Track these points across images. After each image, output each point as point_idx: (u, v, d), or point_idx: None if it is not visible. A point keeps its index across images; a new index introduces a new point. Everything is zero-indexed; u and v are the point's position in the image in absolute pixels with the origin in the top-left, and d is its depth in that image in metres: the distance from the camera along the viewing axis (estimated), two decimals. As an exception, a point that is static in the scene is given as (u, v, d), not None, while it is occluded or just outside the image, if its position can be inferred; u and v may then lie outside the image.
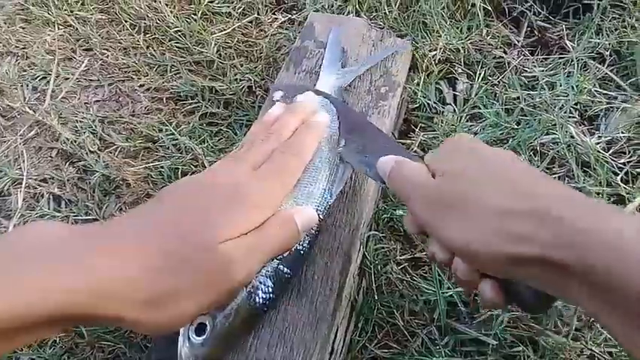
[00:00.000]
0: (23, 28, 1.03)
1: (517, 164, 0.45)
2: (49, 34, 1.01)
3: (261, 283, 0.51)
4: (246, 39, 0.98)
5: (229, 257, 0.43)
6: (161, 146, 0.84)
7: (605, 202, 0.39)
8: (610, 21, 0.89)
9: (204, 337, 0.49)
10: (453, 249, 0.44)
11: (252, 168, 0.51)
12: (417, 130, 0.80)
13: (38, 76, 0.96)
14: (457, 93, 0.86)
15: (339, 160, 0.60)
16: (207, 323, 0.49)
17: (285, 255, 0.53)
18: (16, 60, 0.99)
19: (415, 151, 0.77)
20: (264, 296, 0.51)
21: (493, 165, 0.45)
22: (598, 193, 0.71)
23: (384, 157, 0.53)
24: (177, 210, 0.45)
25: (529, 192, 0.41)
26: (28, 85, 0.94)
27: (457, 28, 0.92)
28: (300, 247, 0.55)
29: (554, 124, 0.75)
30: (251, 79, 0.90)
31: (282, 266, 0.53)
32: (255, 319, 0.53)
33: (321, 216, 0.55)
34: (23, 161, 0.85)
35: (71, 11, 1.04)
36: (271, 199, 0.50)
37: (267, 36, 0.97)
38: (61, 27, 1.03)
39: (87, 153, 0.84)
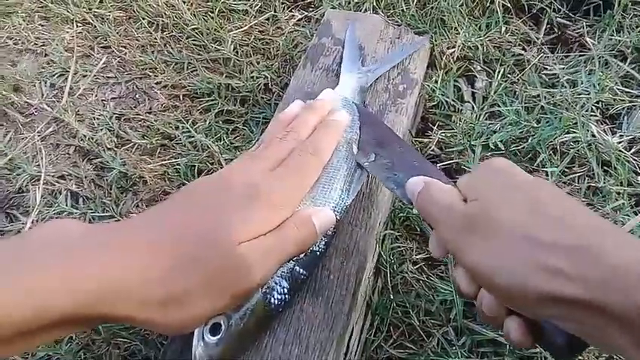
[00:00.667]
0: (42, 26, 1.04)
1: (557, 195, 0.42)
2: (67, 32, 1.02)
3: (276, 284, 0.51)
4: (262, 36, 0.97)
5: (246, 258, 0.43)
6: (178, 144, 0.84)
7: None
8: (631, 18, 0.88)
9: (218, 336, 0.48)
10: (478, 279, 0.42)
11: (270, 167, 0.50)
12: (434, 128, 0.79)
13: (56, 74, 0.96)
14: (476, 91, 0.85)
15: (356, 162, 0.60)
16: (222, 323, 0.49)
17: (301, 256, 0.52)
18: (35, 57, 1.00)
19: (432, 150, 0.77)
20: (279, 297, 0.51)
21: (531, 193, 0.42)
22: (619, 193, 0.69)
23: (413, 178, 0.52)
24: (193, 210, 0.45)
25: (571, 225, 0.38)
26: (46, 82, 0.95)
27: (476, 25, 0.91)
28: (317, 249, 0.54)
29: (575, 123, 0.74)
30: (267, 77, 0.90)
31: (298, 267, 0.52)
32: (269, 319, 0.52)
33: (338, 216, 0.55)
34: (41, 158, 0.85)
35: (89, 9, 1.05)
36: (289, 199, 0.49)
37: (283, 33, 0.97)
38: (79, 24, 1.03)
39: (104, 150, 0.84)
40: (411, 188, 0.51)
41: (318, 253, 0.54)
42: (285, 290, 0.51)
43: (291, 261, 0.51)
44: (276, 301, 0.51)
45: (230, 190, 0.47)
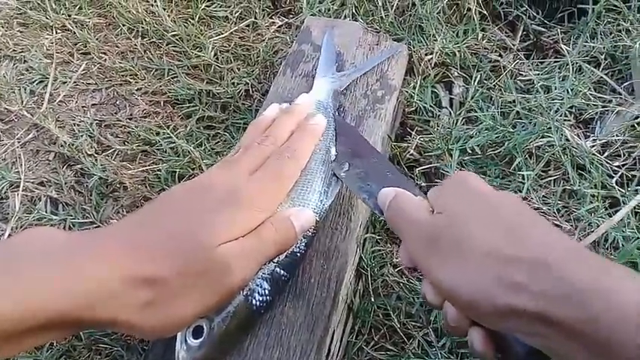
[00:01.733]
0: (21, 32, 1.04)
1: (523, 211, 0.43)
2: (46, 38, 1.02)
3: (257, 285, 0.51)
4: (243, 43, 0.98)
5: (226, 260, 0.43)
6: (158, 149, 0.84)
7: (616, 263, 0.36)
8: (605, 25, 0.90)
9: (201, 339, 0.49)
10: (442, 291, 0.42)
11: (248, 172, 0.51)
12: (413, 133, 0.80)
13: (36, 80, 0.96)
14: (453, 96, 0.87)
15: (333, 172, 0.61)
16: (204, 326, 0.49)
17: (281, 257, 0.53)
18: (14, 64, 0.99)
19: (411, 154, 0.78)
20: (260, 299, 0.51)
21: (495, 208, 0.42)
22: (593, 196, 0.71)
23: (385, 189, 0.52)
24: (173, 213, 0.46)
25: (533, 241, 0.38)
26: (25, 89, 0.94)
27: (453, 32, 0.93)
28: (297, 250, 0.55)
29: (550, 127, 0.75)
30: (248, 83, 0.90)
31: (278, 269, 0.53)
32: (252, 321, 0.53)
33: (317, 218, 0.56)
34: (21, 164, 0.85)
35: (69, 15, 1.04)
36: (268, 201, 0.50)
37: (264, 40, 0.97)
38: (58, 31, 1.03)
39: (84, 156, 0.84)
40: (382, 198, 0.52)
41: (298, 254, 0.55)
42: (267, 292, 0.52)
43: (271, 263, 0.52)
44: (258, 303, 0.51)
45: (210, 193, 0.47)
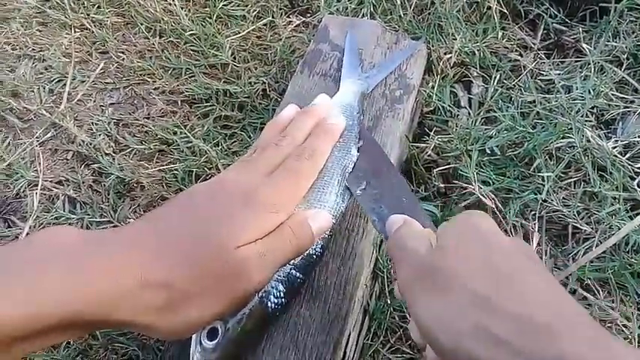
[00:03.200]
0: (40, 31, 1.05)
1: (529, 261, 0.39)
2: (65, 37, 1.02)
3: (273, 287, 0.51)
4: (260, 42, 0.98)
5: (243, 263, 0.43)
6: (175, 149, 0.84)
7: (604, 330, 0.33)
8: (627, 24, 0.88)
9: (216, 341, 0.49)
10: (422, 333, 0.39)
11: (266, 172, 0.51)
12: (431, 133, 0.79)
13: (54, 79, 0.97)
14: (472, 96, 0.86)
15: (351, 166, 0.60)
16: (218, 328, 0.49)
17: (297, 260, 0.52)
18: (33, 63, 1.00)
19: (429, 155, 0.77)
20: (275, 301, 0.51)
21: (498, 253, 0.39)
22: (614, 198, 0.70)
23: (396, 216, 0.50)
24: (190, 214, 0.45)
25: (529, 297, 0.35)
26: (44, 88, 0.95)
27: (473, 31, 0.92)
28: (313, 252, 0.54)
29: (571, 128, 0.74)
30: (265, 82, 0.90)
31: (294, 271, 0.53)
32: (266, 323, 0.53)
33: (334, 220, 0.55)
34: (39, 163, 0.86)
35: (87, 14, 1.05)
36: (285, 203, 0.49)
37: (281, 39, 0.97)
38: (77, 30, 1.04)
39: (102, 155, 0.84)
40: (390, 225, 0.50)
41: (314, 256, 0.55)
42: (282, 294, 0.52)
43: (287, 265, 0.52)
44: (273, 305, 0.51)
45: (227, 195, 0.47)
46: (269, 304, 0.51)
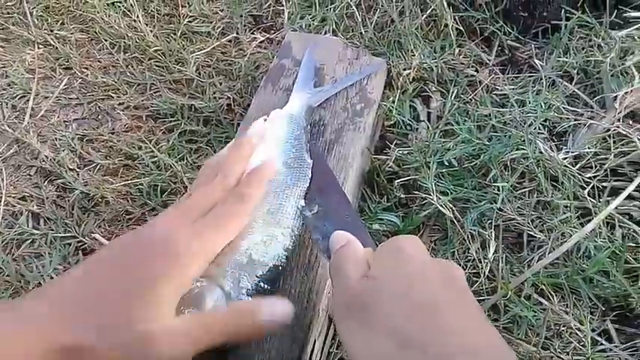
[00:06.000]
0: (3, 47, 1.04)
1: (449, 289, 0.40)
2: (28, 53, 1.02)
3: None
4: (225, 58, 0.99)
5: (156, 339, 0.41)
6: (140, 163, 0.85)
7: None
8: (577, 41, 0.92)
9: None
10: (349, 357, 0.40)
11: (193, 218, 0.50)
12: (392, 146, 0.82)
13: (17, 95, 0.96)
14: (431, 110, 0.89)
15: (309, 172, 0.62)
16: None
17: (265, 272, 0.53)
18: (-4, 79, 0.99)
19: (390, 167, 0.79)
20: None
21: (423, 283, 0.40)
22: (566, 206, 0.73)
23: (340, 232, 0.51)
24: (107, 275, 0.44)
25: (444, 328, 0.36)
26: (7, 104, 0.95)
27: (431, 47, 0.95)
28: (279, 263, 0.55)
29: (524, 140, 0.77)
30: (230, 97, 0.91)
31: (262, 283, 0.53)
32: None
33: (296, 231, 0.57)
34: (2, 179, 0.85)
35: (51, 30, 1.05)
36: (205, 254, 0.48)
37: (245, 55, 0.99)
38: (40, 46, 1.04)
39: (66, 171, 0.84)
40: (334, 241, 0.50)
41: (280, 267, 0.55)
42: None
43: (255, 277, 0.52)
44: None
45: (148, 249, 0.45)
46: None
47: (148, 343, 0.40)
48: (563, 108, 0.84)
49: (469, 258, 0.71)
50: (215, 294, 0.49)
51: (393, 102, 0.86)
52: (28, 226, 0.80)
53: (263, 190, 0.56)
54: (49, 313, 0.40)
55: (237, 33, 1.03)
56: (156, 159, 0.84)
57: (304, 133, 0.68)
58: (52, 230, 0.79)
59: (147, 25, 1.03)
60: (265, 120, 0.67)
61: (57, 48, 1.02)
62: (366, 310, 0.40)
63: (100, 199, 0.81)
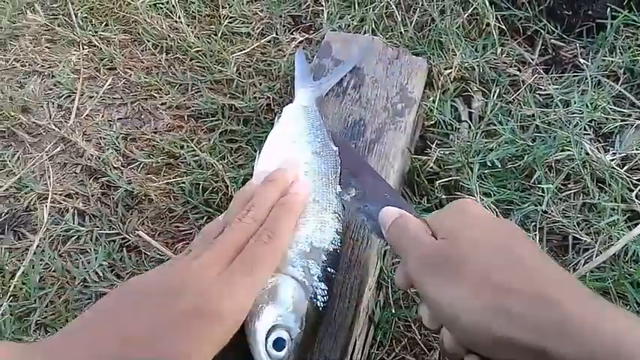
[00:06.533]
0: (49, 48, 1.07)
1: (523, 241, 0.44)
2: (73, 54, 1.04)
3: (316, 287, 0.53)
4: (264, 58, 1.00)
5: None
6: (182, 162, 0.86)
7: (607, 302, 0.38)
8: (623, 40, 0.90)
9: (285, 350, 0.49)
10: (440, 317, 0.43)
11: (224, 264, 0.47)
12: (433, 146, 0.81)
13: (63, 95, 0.99)
14: (472, 110, 0.88)
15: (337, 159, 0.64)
16: (284, 337, 0.49)
17: (328, 257, 0.55)
18: (42, 79, 1.02)
19: (431, 167, 0.79)
20: (323, 299, 0.53)
21: (498, 236, 0.44)
22: (613, 209, 0.71)
23: (389, 208, 0.52)
24: (134, 319, 0.43)
25: (536, 275, 0.39)
26: (53, 103, 0.97)
27: (472, 46, 0.94)
28: (337, 247, 0.56)
29: (569, 141, 0.76)
30: (270, 97, 0.92)
31: (329, 268, 0.54)
32: (320, 321, 0.54)
33: (342, 215, 0.59)
34: (49, 177, 0.87)
35: (95, 32, 1.07)
36: (238, 305, 0.46)
37: (285, 55, 0.99)
38: (85, 47, 1.06)
39: (110, 169, 0.86)
40: (385, 218, 0.51)
41: (338, 251, 0.57)
42: (326, 292, 0.53)
43: (321, 262, 0.54)
44: (322, 304, 0.53)
45: (179, 300, 0.43)
46: (319, 304, 0.52)
47: None
48: (610, 108, 0.82)
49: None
50: (291, 285, 0.51)
51: (434, 102, 0.86)
52: (74, 223, 0.81)
53: (293, 224, 0.55)
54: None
55: (277, 33, 1.04)
56: (197, 158, 0.85)
57: (324, 122, 0.69)
58: (97, 227, 0.81)
59: (188, 25, 1.05)
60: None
61: (101, 49, 1.04)
62: (454, 264, 0.42)
63: (143, 197, 0.83)
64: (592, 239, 0.70)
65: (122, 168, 0.87)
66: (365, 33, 0.98)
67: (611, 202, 0.72)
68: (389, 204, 0.54)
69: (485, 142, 0.80)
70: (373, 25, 1.00)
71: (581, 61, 0.90)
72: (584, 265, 0.68)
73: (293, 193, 0.57)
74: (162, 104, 0.95)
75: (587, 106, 0.81)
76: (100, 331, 0.41)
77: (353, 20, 1.01)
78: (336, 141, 0.66)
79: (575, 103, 0.82)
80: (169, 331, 0.41)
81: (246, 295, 0.47)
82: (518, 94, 0.87)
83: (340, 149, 0.65)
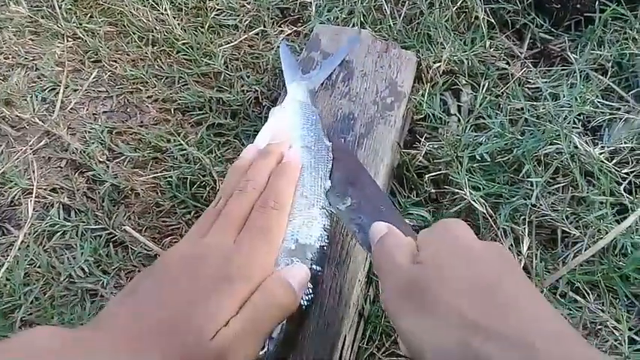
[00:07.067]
0: (32, 40, 1.05)
1: (508, 276, 0.40)
2: (57, 46, 1.03)
3: None
4: (252, 51, 0.99)
5: (224, 349, 0.41)
6: (169, 156, 0.85)
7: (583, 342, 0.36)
8: (612, 33, 0.90)
9: (264, 351, 0.48)
10: (408, 348, 0.40)
11: (235, 230, 0.50)
12: (422, 140, 0.81)
13: (47, 88, 0.97)
14: (461, 104, 0.88)
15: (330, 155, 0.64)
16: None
17: (314, 254, 0.54)
18: (26, 71, 1.00)
19: (421, 161, 0.78)
20: (307, 297, 0.52)
21: (478, 267, 0.41)
22: (602, 203, 0.71)
23: (379, 223, 0.51)
24: (167, 297, 0.44)
25: (514, 315, 0.36)
26: (37, 97, 0.96)
27: (461, 40, 0.94)
28: (324, 244, 0.56)
29: (558, 135, 0.76)
30: (258, 90, 0.91)
31: (314, 265, 0.54)
32: (304, 319, 0.54)
33: (329, 211, 0.58)
34: (33, 171, 0.86)
35: (80, 23, 1.05)
36: (260, 265, 0.48)
37: (273, 48, 0.98)
38: (69, 39, 1.04)
39: (96, 163, 0.85)
40: (374, 233, 0.50)
41: (325, 247, 0.56)
42: (310, 290, 0.53)
43: (306, 260, 0.53)
44: (306, 302, 0.52)
45: (202, 267, 0.46)
46: (303, 303, 0.51)
47: (218, 354, 0.41)
48: (598, 102, 0.82)
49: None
50: None
51: (423, 95, 0.85)
52: (59, 218, 0.80)
53: (294, 185, 0.58)
54: (115, 342, 0.40)
55: (265, 26, 1.03)
56: (184, 152, 0.84)
57: (319, 116, 0.69)
58: (83, 222, 0.79)
59: (174, 18, 1.03)
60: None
61: (86, 41, 1.02)
62: (426, 294, 0.40)
63: (129, 192, 0.82)
64: (581, 233, 0.70)
65: (108, 162, 0.86)
66: (354, 26, 0.98)
67: (600, 195, 0.72)
68: (382, 218, 0.52)
69: (475, 136, 0.80)
70: (362, 18, 0.99)
71: (570, 54, 0.90)
72: (573, 258, 0.68)
73: (287, 162, 0.59)
74: (148, 97, 0.94)
75: (575, 99, 0.81)
76: (139, 306, 0.43)
77: (341, 13, 1.00)
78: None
79: (563, 96, 0.82)
80: (196, 305, 0.43)
81: (266, 257, 0.50)
82: (507, 88, 0.87)
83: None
